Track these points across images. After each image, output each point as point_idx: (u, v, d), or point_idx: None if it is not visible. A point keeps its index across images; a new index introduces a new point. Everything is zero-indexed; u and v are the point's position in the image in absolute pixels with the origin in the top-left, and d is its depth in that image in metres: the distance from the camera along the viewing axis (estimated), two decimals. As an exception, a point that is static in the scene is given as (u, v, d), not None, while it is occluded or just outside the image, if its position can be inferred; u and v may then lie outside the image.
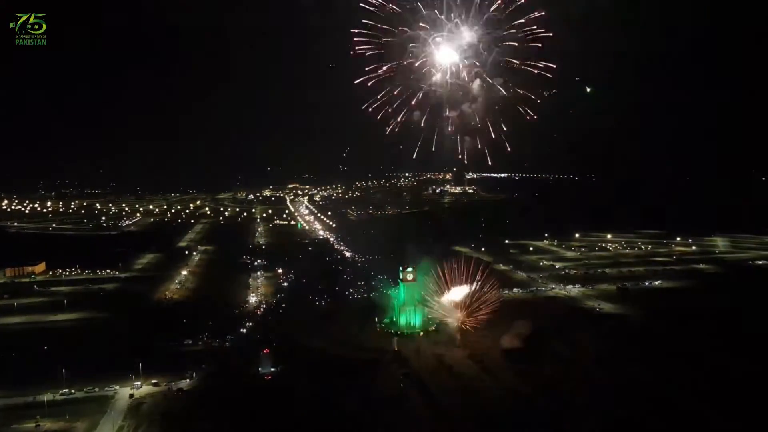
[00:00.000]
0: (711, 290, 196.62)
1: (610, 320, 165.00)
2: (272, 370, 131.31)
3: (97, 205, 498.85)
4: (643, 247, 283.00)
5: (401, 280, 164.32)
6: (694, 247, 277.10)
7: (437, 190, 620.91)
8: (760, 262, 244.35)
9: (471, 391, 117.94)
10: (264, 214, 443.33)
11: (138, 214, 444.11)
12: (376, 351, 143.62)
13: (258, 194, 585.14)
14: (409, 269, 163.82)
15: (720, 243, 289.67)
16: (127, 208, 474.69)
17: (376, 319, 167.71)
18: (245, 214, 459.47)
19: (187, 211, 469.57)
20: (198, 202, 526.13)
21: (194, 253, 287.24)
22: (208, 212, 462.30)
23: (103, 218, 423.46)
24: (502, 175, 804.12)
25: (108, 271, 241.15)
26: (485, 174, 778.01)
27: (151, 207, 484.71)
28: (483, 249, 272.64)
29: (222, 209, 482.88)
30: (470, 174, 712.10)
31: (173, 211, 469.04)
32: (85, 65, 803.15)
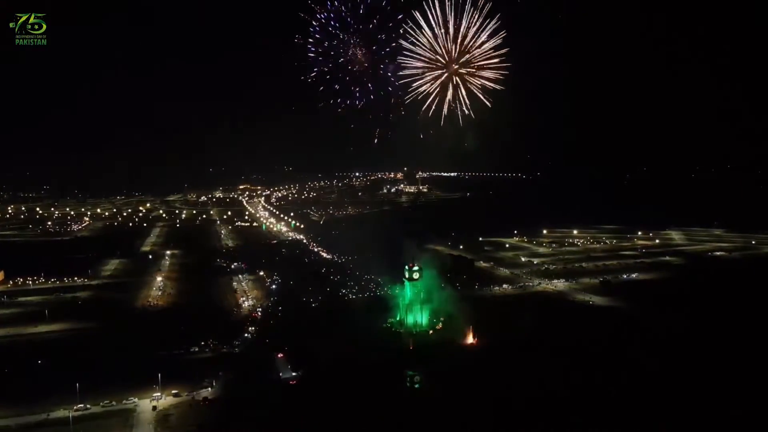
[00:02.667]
0: (687, 280, 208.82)
1: (606, 311, 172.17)
2: (293, 374, 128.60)
3: (38, 209, 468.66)
4: (608, 241, 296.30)
5: (407, 278, 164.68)
6: (657, 240, 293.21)
7: (392, 190, 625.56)
8: (719, 253, 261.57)
9: (494, 384, 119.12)
10: (224, 216, 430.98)
11: (86, 219, 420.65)
12: (390, 351, 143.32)
13: (210, 196, 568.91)
14: (415, 267, 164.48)
15: (676, 236, 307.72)
16: (72, 212, 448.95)
17: (381, 318, 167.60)
18: (204, 216, 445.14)
19: (140, 214, 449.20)
20: (148, 205, 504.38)
21: (163, 258, 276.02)
22: (163, 215, 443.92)
23: (49, 223, 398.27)
24: (452, 174, 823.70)
25: (76, 278, 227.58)
26: (435, 173, 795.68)
27: (98, 211, 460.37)
28: (461, 246, 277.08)
29: (177, 212, 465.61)
30: (420, 173, 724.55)
31: (124, 214, 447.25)
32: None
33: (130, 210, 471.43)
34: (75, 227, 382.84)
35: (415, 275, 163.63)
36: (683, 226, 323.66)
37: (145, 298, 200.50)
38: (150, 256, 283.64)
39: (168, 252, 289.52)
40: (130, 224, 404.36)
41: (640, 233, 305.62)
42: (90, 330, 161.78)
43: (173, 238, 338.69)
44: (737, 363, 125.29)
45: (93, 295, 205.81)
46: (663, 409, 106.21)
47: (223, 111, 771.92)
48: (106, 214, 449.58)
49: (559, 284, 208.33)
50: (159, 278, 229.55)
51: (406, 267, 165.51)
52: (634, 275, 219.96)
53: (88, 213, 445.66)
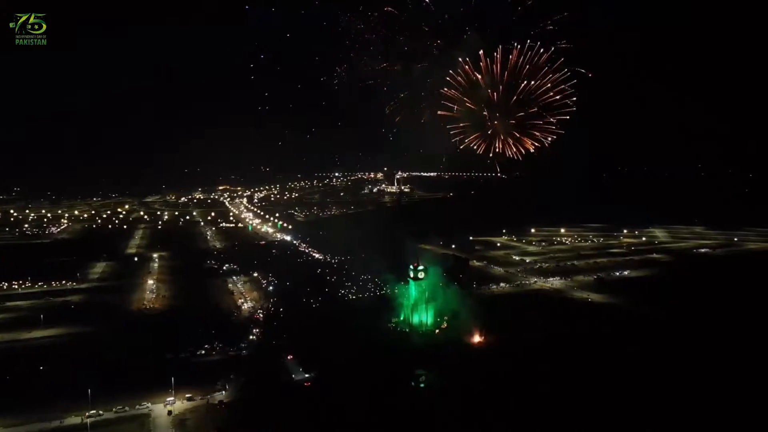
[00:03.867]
0: (677, 277, 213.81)
1: (607, 309, 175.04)
2: (306, 376, 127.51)
3: (12, 211, 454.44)
4: (595, 240, 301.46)
5: (411, 278, 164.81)
6: (644, 238, 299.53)
7: (374, 190, 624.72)
8: (703, 250, 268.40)
9: (508, 381, 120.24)
10: (207, 217, 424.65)
11: (64, 221, 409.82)
12: (400, 351, 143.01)
13: (190, 197, 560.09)
14: (420, 267, 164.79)
15: (660, 234, 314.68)
16: (48, 215, 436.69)
17: (385, 318, 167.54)
18: (186, 217, 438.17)
19: (121, 216, 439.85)
20: (126, 207, 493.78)
21: (151, 260, 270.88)
22: (144, 217, 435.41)
23: (26, 225, 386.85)
24: (431, 174, 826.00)
25: (64, 282, 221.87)
26: (415, 173, 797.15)
27: (76, 213, 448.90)
28: (453, 246, 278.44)
29: (158, 213, 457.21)
30: (400, 173, 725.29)
31: (104, 216, 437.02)
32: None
33: (109, 212, 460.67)
34: (54, 230, 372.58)
35: (420, 275, 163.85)
36: (665, 224, 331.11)
37: (139, 301, 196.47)
38: (136, 259, 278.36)
39: (155, 254, 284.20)
40: (110, 226, 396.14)
41: (626, 231, 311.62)
42: (88, 334, 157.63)
43: (158, 240, 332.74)
44: (741, 357, 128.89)
45: (84, 298, 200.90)
46: (678, 407, 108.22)
47: (199, 112, 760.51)
48: (85, 216, 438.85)
49: (556, 282, 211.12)
50: (150, 281, 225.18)
51: (411, 267, 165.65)
52: (626, 272, 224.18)
53: (66, 215, 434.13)
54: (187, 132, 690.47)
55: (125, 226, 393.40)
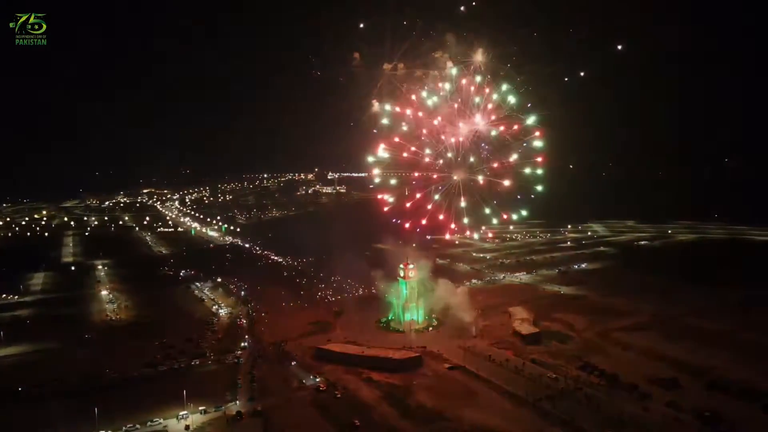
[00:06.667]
0: (630, 268, 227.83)
1: (581, 300, 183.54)
2: (317, 380, 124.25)
3: None
4: (542, 236, 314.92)
5: (402, 277, 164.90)
6: (589, 233, 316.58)
7: (309, 191, 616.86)
8: (643, 242, 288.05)
9: (519, 374, 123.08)
10: (142, 222, 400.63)
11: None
12: (400, 349, 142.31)
13: (115, 201, 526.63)
14: (411, 266, 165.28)
15: (598, 228, 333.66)
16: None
17: (372, 317, 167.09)
18: (120, 222, 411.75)
19: (43, 222, 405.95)
20: (44, 213, 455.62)
21: (94, 269, 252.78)
22: (70, 223, 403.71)
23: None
24: (362, 174, 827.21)
25: (4, 295, 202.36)
26: (345, 174, 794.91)
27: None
28: (414, 245, 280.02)
29: (84, 219, 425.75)
30: (331, 174, 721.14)
31: (23, 223, 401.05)
32: None
33: (27, 218, 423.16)
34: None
35: (411, 273, 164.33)
36: (601, 219, 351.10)
37: (100, 312, 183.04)
38: (73, 268, 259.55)
39: (97, 262, 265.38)
40: (29, 234, 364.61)
41: (569, 227, 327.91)
42: (57, 351, 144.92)
43: (93, 247, 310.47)
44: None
45: (36, 312, 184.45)
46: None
47: (109, 110, 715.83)
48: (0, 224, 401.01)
49: (523, 277, 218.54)
50: (104, 291, 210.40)
51: (401, 266, 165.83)
52: (583, 265, 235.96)
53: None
54: (98, 133, 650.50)
55: (47, 234, 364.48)
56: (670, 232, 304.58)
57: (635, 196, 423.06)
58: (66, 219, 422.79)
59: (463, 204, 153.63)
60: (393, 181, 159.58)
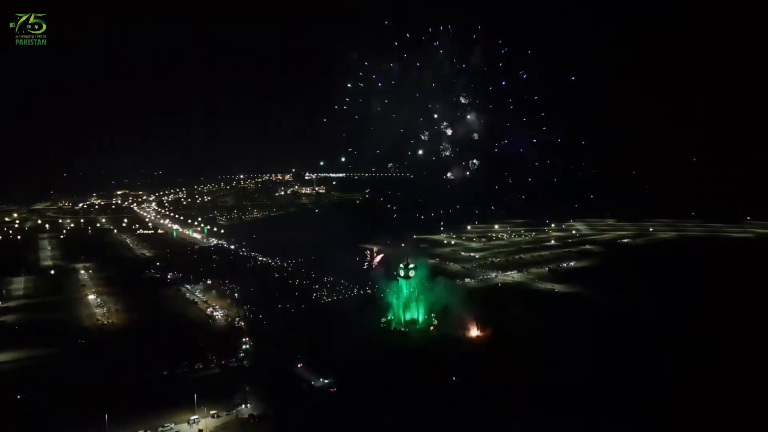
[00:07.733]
0: (618, 265, 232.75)
1: (574, 298, 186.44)
2: (326, 382, 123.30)
3: None
4: (527, 235, 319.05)
5: (402, 276, 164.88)
6: (574, 231, 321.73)
7: (288, 192, 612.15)
8: (626, 240, 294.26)
9: (531, 370, 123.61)
10: (121, 224, 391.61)
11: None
12: (404, 350, 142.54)
13: (89, 203, 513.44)
14: (411, 265, 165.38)
15: (580, 227, 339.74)
16: None
17: (372, 318, 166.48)
18: (98, 224, 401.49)
19: (15, 225, 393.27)
20: (15, 215, 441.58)
21: (76, 273, 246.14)
22: (44, 226, 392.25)
23: None
24: (340, 174, 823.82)
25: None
26: (322, 174, 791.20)
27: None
28: (403, 245, 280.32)
29: (59, 221, 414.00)
30: (308, 174, 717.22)
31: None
32: None
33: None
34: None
35: (411, 273, 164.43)
36: (582, 218, 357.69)
37: (91, 317, 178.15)
38: (53, 272, 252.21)
39: (79, 266, 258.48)
40: (2, 237, 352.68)
41: (553, 225, 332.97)
42: (55, 355, 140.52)
43: (72, 250, 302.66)
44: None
45: (23, 318, 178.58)
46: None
47: (77, 110, 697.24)
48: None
49: (515, 276, 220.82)
50: (91, 295, 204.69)
51: (401, 265, 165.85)
52: (572, 263, 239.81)
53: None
54: (64, 133, 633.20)
55: (20, 237, 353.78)
56: (651, 229, 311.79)
57: (611, 194, 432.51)
58: (39, 222, 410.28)
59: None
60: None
